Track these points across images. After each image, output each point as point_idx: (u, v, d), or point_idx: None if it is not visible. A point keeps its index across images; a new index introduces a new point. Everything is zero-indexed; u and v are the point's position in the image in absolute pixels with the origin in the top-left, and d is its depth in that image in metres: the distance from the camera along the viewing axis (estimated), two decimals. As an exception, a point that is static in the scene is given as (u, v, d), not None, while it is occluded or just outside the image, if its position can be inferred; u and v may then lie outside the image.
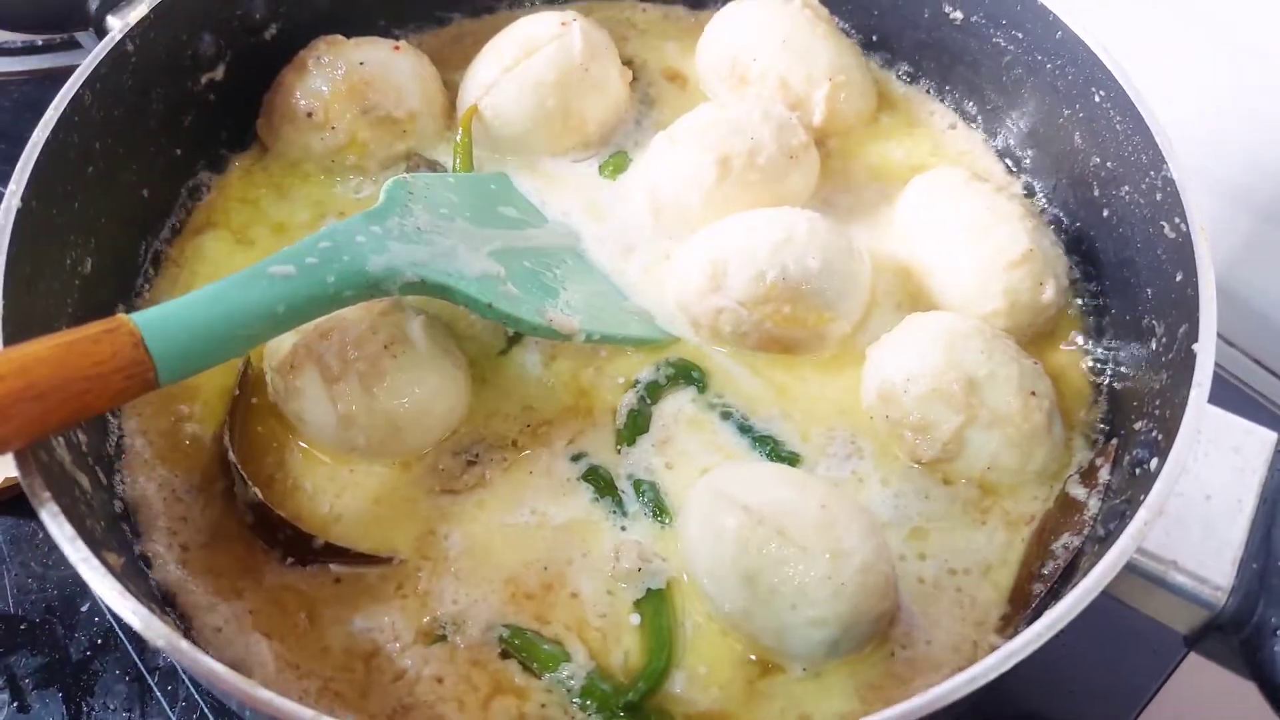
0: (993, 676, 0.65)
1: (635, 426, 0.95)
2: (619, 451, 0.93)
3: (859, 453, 0.94)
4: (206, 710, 1.03)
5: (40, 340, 0.69)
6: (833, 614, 0.79)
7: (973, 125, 1.18)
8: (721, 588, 0.83)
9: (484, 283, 0.89)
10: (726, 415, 0.96)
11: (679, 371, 0.98)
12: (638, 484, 0.91)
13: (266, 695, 0.63)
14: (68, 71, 0.92)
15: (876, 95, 1.19)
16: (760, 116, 1.05)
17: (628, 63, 1.20)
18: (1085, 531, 0.87)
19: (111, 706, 1.04)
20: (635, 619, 0.84)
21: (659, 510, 0.90)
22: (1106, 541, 0.75)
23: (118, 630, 1.07)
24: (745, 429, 0.95)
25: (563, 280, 0.99)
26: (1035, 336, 1.01)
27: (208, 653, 0.67)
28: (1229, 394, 1.30)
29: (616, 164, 1.13)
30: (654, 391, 0.97)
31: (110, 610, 1.06)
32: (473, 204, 0.99)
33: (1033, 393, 0.90)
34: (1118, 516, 0.80)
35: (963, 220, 1.00)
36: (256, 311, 0.76)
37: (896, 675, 0.82)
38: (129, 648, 1.06)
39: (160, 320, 0.72)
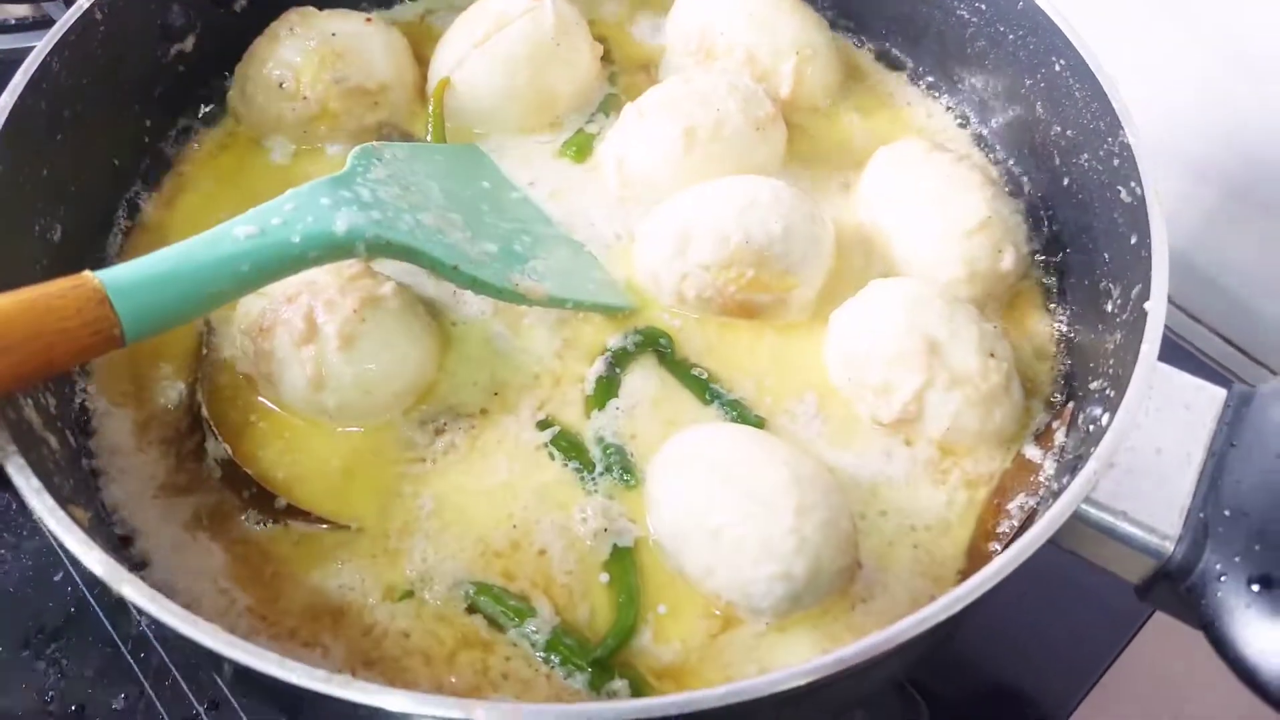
0: (943, 617, 0.67)
1: (604, 393, 0.96)
2: (588, 417, 0.95)
3: (823, 415, 0.95)
4: (179, 677, 1.04)
5: (4, 295, 0.69)
6: (795, 568, 0.80)
7: (937, 96, 1.19)
8: (687, 545, 0.84)
9: (451, 247, 0.90)
10: (694, 381, 0.97)
11: (647, 339, 0.99)
12: (605, 447, 0.92)
13: (233, 639, 0.64)
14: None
15: (843, 69, 1.20)
16: (726, 89, 1.06)
17: (599, 39, 1.21)
18: (1040, 492, 0.88)
19: (85, 674, 1.05)
20: (604, 578, 0.86)
21: (626, 471, 0.91)
22: (1059, 494, 0.77)
23: (90, 599, 1.08)
24: (713, 395, 0.96)
25: (532, 247, 1.00)
26: (996, 304, 1.02)
27: (176, 603, 0.68)
28: (1188, 362, 1.32)
29: (579, 144, 1.13)
30: (622, 359, 0.98)
31: (80, 575, 1.08)
32: (443, 172, 1.00)
33: (992, 354, 0.92)
34: (1070, 471, 0.82)
35: (923, 189, 1.02)
36: (222, 270, 0.77)
37: (857, 627, 0.83)
38: (101, 617, 1.07)
39: (125, 277, 0.73)
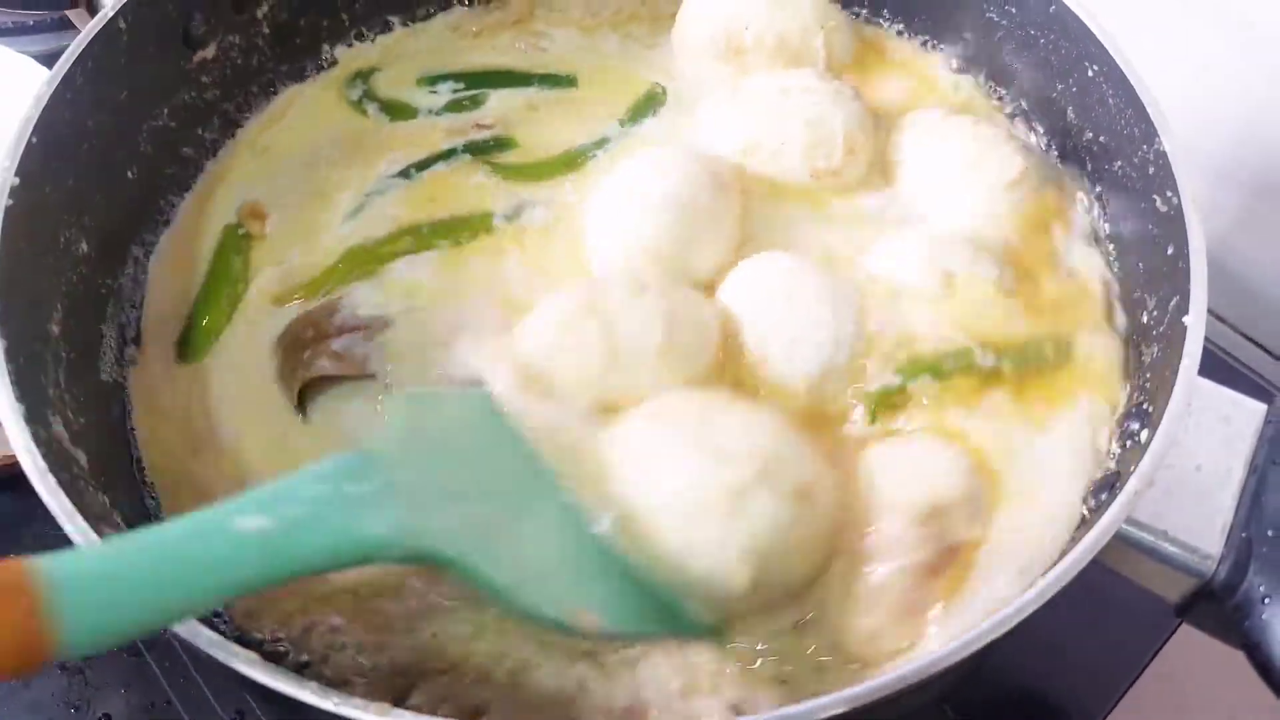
0: (985, 642, 0.66)
1: None
2: None
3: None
4: (203, 685, 1.04)
5: None
6: None
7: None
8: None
9: (499, 560, 0.67)
10: None
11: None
12: None
13: (268, 669, 0.64)
14: (58, 54, 0.91)
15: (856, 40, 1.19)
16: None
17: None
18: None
19: (110, 682, 1.05)
20: None
21: None
22: (1097, 512, 0.76)
23: (115, 607, 1.08)
24: None
25: (578, 549, 0.73)
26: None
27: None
28: (1217, 367, 1.31)
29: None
30: None
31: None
32: (471, 437, 0.77)
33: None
34: (1107, 488, 0.81)
35: (954, 152, 1.02)
36: (211, 575, 0.57)
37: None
38: (127, 625, 1.07)
39: (72, 574, 0.53)
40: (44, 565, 0.52)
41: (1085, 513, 0.82)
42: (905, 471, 0.80)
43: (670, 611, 0.72)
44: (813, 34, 1.12)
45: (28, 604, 0.50)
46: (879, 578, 0.76)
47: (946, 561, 0.78)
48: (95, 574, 0.54)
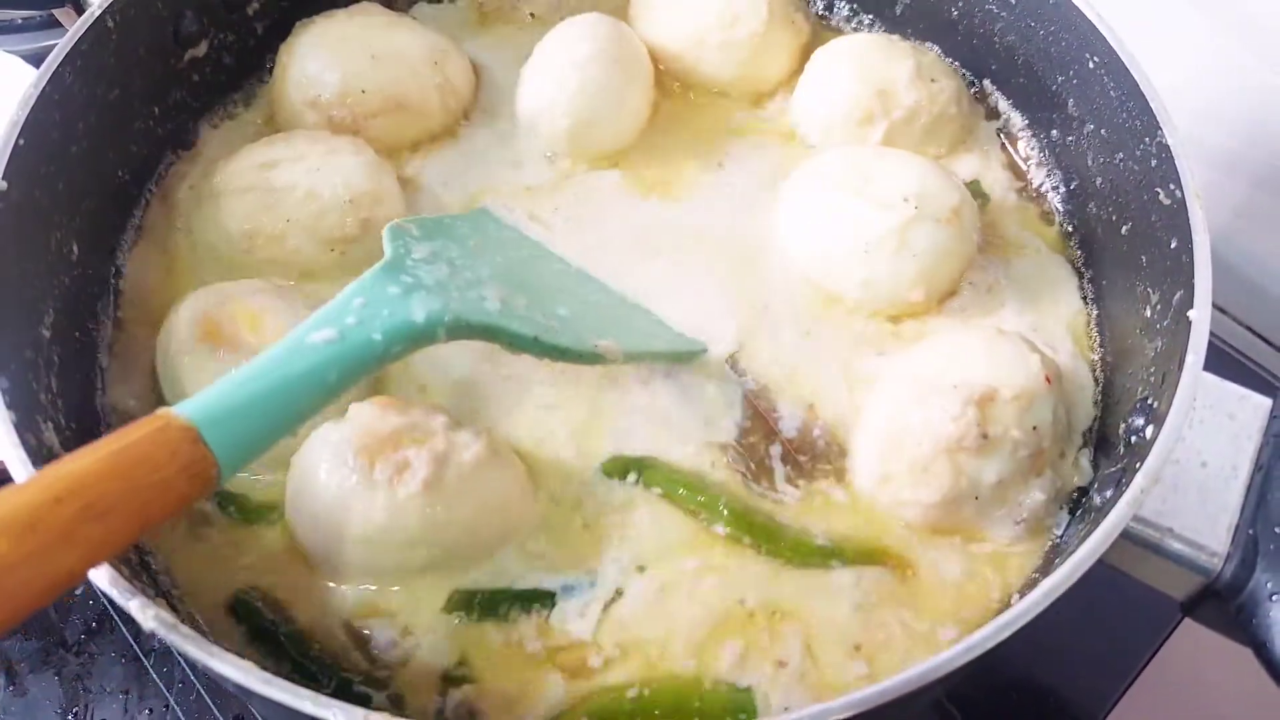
0: (989, 647, 0.65)
1: None
2: None
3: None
4: (202, 690, 1.04)
5: (81, 453, 0.60)
6: None
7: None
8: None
9: (525, 319, 0.84)
10: None
11: None
12: None
13: (267, 678, 0.63)
14: (46, 54, 0.90)
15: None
16: None
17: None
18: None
19: (108, 689, 1.04)
20: None
21: None
22: (1103, 510, 0.75)
23: (112, 613, 1.07)
24: None
25: (589, 306, 0.93)
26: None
27: (207, 638, 0.67)
28: (1221, 360, 1.30)
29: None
30: None
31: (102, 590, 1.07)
32: (476, 243, 0.92)
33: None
34: (1113, 484, 0.80)
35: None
36: (309, 384, 0.70)
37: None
38: (124, 630, 1.06)
39: (211, 408, 0.64)
40: (183, 408, 0.63)
41: (1092, 509, 0.81)
42: (978, 355, 0.86)
43: (671, 339, 0.93)
44: None
45: (190, 434, 0.61)
46: (913, 433, 0.83)
47: (978, 446, 0.82)
48: (223, 404, 0.65)
